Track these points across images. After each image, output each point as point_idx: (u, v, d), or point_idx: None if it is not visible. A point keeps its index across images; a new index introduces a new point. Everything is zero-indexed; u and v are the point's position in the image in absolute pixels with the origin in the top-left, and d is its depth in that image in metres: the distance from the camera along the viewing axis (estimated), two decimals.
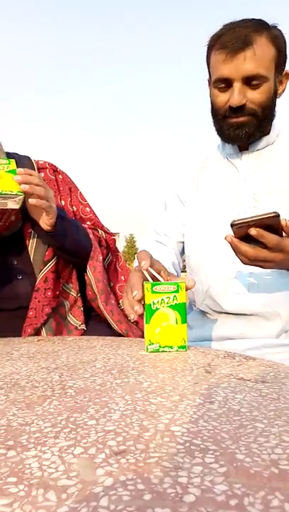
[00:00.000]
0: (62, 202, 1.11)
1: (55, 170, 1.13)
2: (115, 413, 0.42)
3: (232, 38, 0.86)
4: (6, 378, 0.55)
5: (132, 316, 0.71)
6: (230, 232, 0.74)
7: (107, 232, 1.17)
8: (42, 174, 1.09)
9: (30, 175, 0.87)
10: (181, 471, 0.31)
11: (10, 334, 0.93)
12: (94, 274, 1.04)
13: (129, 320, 1.11)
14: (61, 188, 1.12)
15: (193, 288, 1.02)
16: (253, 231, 0.71)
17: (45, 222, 0.92)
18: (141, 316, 0.71)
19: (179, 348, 0.70)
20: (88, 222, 1.14)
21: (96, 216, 1.19)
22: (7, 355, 0.69)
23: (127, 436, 0.36)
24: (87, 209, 1.17)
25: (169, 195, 1.11)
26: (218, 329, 0.96)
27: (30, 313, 0.99)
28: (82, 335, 1.03)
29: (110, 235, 1.17)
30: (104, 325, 1.08)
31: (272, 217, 0.70)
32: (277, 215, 0.70)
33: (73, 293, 1.07)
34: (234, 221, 0.72)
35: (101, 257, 1.06)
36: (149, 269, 0.74)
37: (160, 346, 0.70)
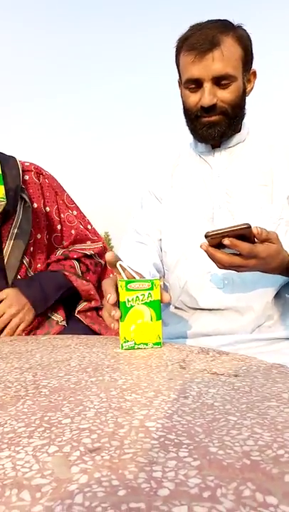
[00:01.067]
0: (48, 208, 1.10)
1: (40, 173, 1.11)
2: (90, 411, 0.42)
3: (199, 39, 0.88)
4: None
5: (112, 325, 0.70)
6: (205, 231, 0.76)
7: (93, 240, 1.16)
8: (27, 177, 1.07)
9: None
10: (155, 465, 0.31)
11: None
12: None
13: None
14: (47, 194, 1.10)
15: (170, 284, 1.03)
16: (226, 241, 0.73)
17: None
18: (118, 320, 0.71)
19: (154, 344, 0.71)
20: (73, 231, 1.13)
21: (84, 218, 1.19)
22: None
23: (102, 433, 0.37)
24: (75, 212, 1.16)
25: (144, 194, 1.12)
26: (193, 326, 0.97)
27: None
28: (60, 332, 1.03)
29: (97, 241, 1.17)
30: (82, 324, 1.08)
31: (244, 228, 0.72)
32: (249, 226, 0.72)
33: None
34: (208, 232, 0.74)
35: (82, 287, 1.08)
36: (123, 264, 0.74)
37: (135, 343, 0.70)
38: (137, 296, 0.70)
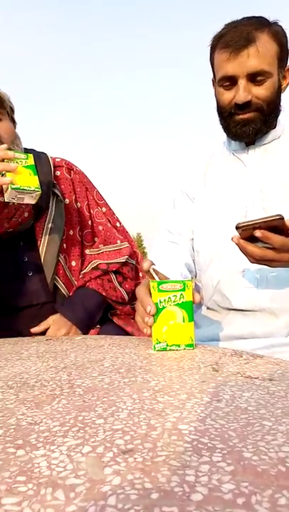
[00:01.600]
0: (79, 204, 1.10)
1: (71, 169, 1.12)
2: (123, 412, 0.42)
3: (234, 36, 0.87)
4: (16, 378, 0.56)
5: (145, 330, 0.71)
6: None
7: (121, 239, 1.15)
8: (58, 173, 1.08)
9: None
10: (188, 469, 0.31)
11: (20, 333, 0.94)
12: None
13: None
14: (78, 190, 1.11)
15: (202, 283, 1.02)
16: (257, 233, 0.71)
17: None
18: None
19: (186, 346, 0.70)
20: (100, 227, 1.12)
21: (112, 216, 1.18)
22: (16, 355, 0.69)
23: (135, 435, 0.37)
24: (104, 209, 1.16)
25: (176, 193, 1.11)
26: (226, 328, 0.96)
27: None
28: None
29: (123, 240, 1.16)
30: (114, 325, 1.09)
31: (277, 219, 0.70)
32: (282, 218, 0.70)
33: None
34: (239, 224, 0.73)
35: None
36: (156, 268, 0.74)
37: (167, 345, 0.70)
38: (169, 297, 0.70)
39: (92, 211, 1.12)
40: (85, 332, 1.01)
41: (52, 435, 0.37)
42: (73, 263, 1.08)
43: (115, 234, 1.15)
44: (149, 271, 0.75)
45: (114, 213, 1.20)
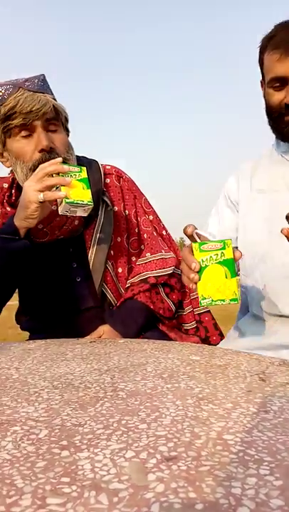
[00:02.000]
0: (127, 212, 1.11)
1: (120, 176, 1.13)
2: (166, 418, 0.41)
3: (285, 37, 0.87)
4: (61, 378, 0.57)
5: (191, 285, 0.75)
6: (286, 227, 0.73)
7: (166, 250, 1.15)
8: (108, 180, 1.10)
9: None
10: (234, 481, 0.30)
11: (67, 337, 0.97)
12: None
13: (182, 329, 1.12)
14: (126, 197, 1.12)
15: (248, 289, 1.00)
16: None
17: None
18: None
19: (230, 300, 0.74)
20: (145, 235, 1.13)
21: (159, 224, 1.19)
22: (62, 356, 0.71)
23: (179, 442, 0.36)
24: (151, 217, 1.16)
25: (221, 198, 1.10)
26: (274, 336, 0.93)
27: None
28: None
29: (168, 251, 1.15)
30: (157, 330, 1.09)
31: None
32: None
33: None
34: None
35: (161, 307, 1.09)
36: (198, 232, 0.78)
37: (212, 300, 0.74)
38: (211, 257, 0.74)
39: (139, 219, 1.13)
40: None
41: (95, 438, 0.37)
42: (120, 270, 1.09)
43: (160, 243, 1.15)
44: (192, 235, 0.77)
45: (160, 221, 1.20)
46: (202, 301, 0.74)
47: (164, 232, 1.20)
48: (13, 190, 1.04)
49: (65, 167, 0.86)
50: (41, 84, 0.95)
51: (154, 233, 1.15)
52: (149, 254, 1.11)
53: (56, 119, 0.96)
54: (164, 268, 1.09)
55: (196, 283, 0.74)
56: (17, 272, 0.97)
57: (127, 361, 0.66)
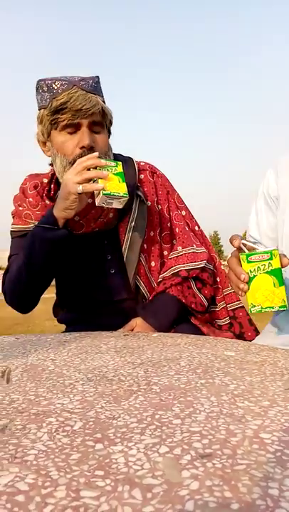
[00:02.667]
0: (160, 206, 1.14)
1: (154, 172, 1.17)
2: (200, 414, 0.41)
3: None
4: (95, 371, 0.57)
5: (240, 293, 0.79)
6: None
7: (197, 244, 1.15)
8: (142, 176, 1.14)
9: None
10: (271, 482, 0.29)
11: (100, 326, 0.98)
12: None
13: (216, 326, 1.11)
14: (159, 192, 1.15)
15: (287, 284, 0.97)
16: None
17: None
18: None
19: (279, 307, 0.76)
20: (177, 229, 1.14)
21: (192, 220, 1.20)
22: (96, 349, 0.71)
23: (213, 439, 0.35)
24: (183, 212, 1.18)
25: (259, 198, 1.07)
26: None
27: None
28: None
29: (200, 246, 1.15)
30: (190, 324, 1.08)
31: None
32: None
33: None
34: None
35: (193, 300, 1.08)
36: (243, 241, 0.79)
37: (262, 307, 0.77)
38: (258, 267, 0.76)
39: (171, 213, 1.15)
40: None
41: (129, 431, 0.37)
42: (152, 263, 1.10)
43: (191, 238, 1.15)
44: (239, 246, 0.79)
45: (193, 217, 1.21)
46: (252, 309, 0.78)
47: (196, 228, 1.20)
48: (52, 185, 1.08)
49: (102, 161, 0.90)
50: (94, 86, 1.00)
51: (186, 228, 1.16)
52: (180, 247, 1.12)
53: (101, 121, 1.01)
54: (195, 262, 1.09)
55: (245, 292, 0.77)
56: (56, 261, 1.01)
57: (161, 355, 0.65)
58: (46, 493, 0.27)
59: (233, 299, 1.16)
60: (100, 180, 0.88)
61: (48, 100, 0.97)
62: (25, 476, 0.29)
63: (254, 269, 0.77)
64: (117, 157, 1.11)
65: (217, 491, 0.28)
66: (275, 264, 0.76)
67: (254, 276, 0.77)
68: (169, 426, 0.38)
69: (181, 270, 1.07)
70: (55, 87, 0.96)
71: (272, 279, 0.76)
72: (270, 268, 0.76)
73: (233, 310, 1.15)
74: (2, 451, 0.34)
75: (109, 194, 0.89)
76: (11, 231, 1.12)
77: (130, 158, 1.14)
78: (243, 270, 0.77)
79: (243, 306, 1.15)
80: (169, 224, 1.14)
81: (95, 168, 0.90)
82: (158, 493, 0.27)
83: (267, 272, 0.76)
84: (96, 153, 0.91)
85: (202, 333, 1.06)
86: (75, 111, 0.95)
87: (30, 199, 1.08)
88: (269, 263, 0.76)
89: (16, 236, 1.10)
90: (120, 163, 0.92)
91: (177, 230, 1.14)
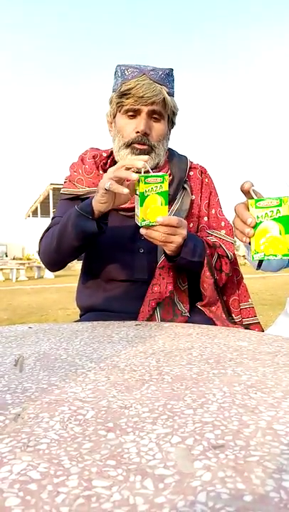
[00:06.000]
0: (201, 202, 1.18)
1: (203, 172, 1.22)
2: (213, 405, 0.41)
3: None
4: (107, 360, 0.57)
5: (245, 239, 0.77)
6: None
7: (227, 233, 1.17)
8: (192, 173, 1.19)
9: (172, 225, 0.90)
10: (285, 474, 0.28)
11: (123, 304, 1.01)
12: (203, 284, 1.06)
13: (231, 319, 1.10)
14: (203, 190, 1.20)
15: None
16: None
17: (169, 248, 0.96)
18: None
19: (283, 256, 0.74)
20: (223, 223, 1.17)
21: (226, 220, 1.21)
22: (108, 338, 0.71)
23: (226, 430, 0.35)
24: (219, 214, 1.21)
25: None
26: None
27: (155, 288, 1.05)
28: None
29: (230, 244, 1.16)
30: (203, 315, 1.07)
31: None
32: None
33: (182, 286, 1.09)
34: None
35: (208, 273, 1.05)
36: (254, 188, 0.78)
37: (265, 255, 0.75)
38: (266, 213, 0.75)
39: (210, 212, 1.19)
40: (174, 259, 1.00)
41: (141, 421, 0.37)
42: None
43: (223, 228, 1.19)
44: (249, 191, 0.78)
45: (227, 219, 1.22)
46: (254, 256, 0.76)
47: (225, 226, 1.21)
48: (109, 160, 1.17)
49: (134, 176, 0.85)
50: (163, 77, 1.06)
51: (223, 224, 1.19)
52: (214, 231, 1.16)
53: (161, 111, 1.06)
54: (227, 249, 1.11)
55: (250, 237, 0.75)
56: (85, 244, 1.04)
57: (172, 345, 0.65)
58: (58, 482, 0.27)
59: (250, 314, 1.15)
60: (145, 202, 0.85)
61: (119, 85, 1.06)
62: (37, 464, 0.30)
63: (262, 215, 0.75)
64: (173, 153, 1.19)
65: (230, 483, 0.27)
66: (285, 211, 0.74)
67: (260, 222, 0.75)
68: (181, 416, 0.38)
69: (215, 241, 1.10)
70: (127, 74, 1.05)
71: (280, 226, 0.74)
72: (279, 215, 0.74)
73: (248, 325, 1.14)
74: (15, 439, 0.34)
75: (148, 224, 0.87)
76: (61, 193, 1.20)
77: (184, 156, 1.21)
78: (250, 214, 0.75)
79: (258, 323, 1.15)
80: (205, 218, 1.18)
81: (138, 171, 0.86)
82: (170, 483, 0.27)
83: (274, 219, 0.74)
84: (145, 157, 0.88)
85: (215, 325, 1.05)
86: (137, 97, 1.03)
87: (87, 166, 1.16)
88: (278, 209, 0.74)
89: (63, 199, 1.18)
90: (167, 178, 0.87)
91: (214, 224, 1.18)
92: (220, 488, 0.27)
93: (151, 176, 0.83)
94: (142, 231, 0.90)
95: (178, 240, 0.92)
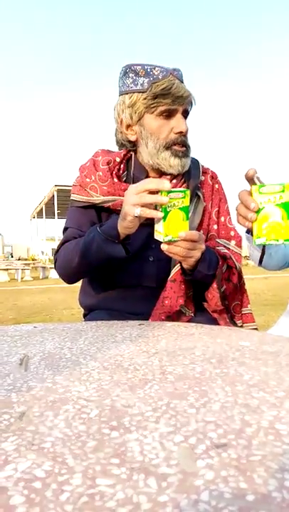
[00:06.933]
0: (211, 209, 1.17)
1: (214, 177, 1.20)
2: (215, 404, 0.41)
3: None
4: (111, 359, 0.57)
5: (247, 224, 0.78)
6: None
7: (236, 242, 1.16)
8: (203, 178, 1.17)
9: (193, 240, 0.89)
10: (287, 474, 0.29)
11: (128, 305, 1.01)
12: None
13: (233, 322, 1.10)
14: (214, 196, 1.18)
15: None
16: None
17: (188, 263, 0.95)
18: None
19: (285, 240, 0.75)
20: (232, 233, 1.16)
21: (234, 229, 1.20)
22: (112, 338, 0.72)
23: (228, 429, 0.35)
24: (228, 221, 1.20)
25: None
26: None
27: (166, 301, 1.03)
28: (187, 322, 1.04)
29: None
30: (207, 315, 1.07)
31: None
32: None
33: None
34: None
35: (215, 286, 1.04)
36: (257, 175, 0.79)
37: (266, 240, 0.76)
38: (269, 199, 0.76)
39: (219, 219, 1.18)
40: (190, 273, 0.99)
41: (144, 420, 0.37)
42: None
43: (232, 237, 1.17)
44: (252, 178, 0.79)
45: (235, 228, 1.21)
46: (256, 240, 0.77)
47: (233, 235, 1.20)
48: (122, 165, 1.11)
49: (164, 199, 0.82)
50: (182, 77, 1.05)
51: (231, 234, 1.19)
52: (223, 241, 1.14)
53: (189, 110, 1.07)
54: (232, 255, 1.10)
55: (252, 222, 0.76)
56: (108, 265, 1.03)
57: (175, 345, 0.65)
58: (63, 481, 0.28)
59: (250, 320, 1.15)
60: (164, 224, 0.84)
61: (146, 85, 1.00)
62: (42, 463, 0.30)
63: (264, 200, 0.76)
64: (192, 160, 1.15)
65: (232, 482, 0.28)
66: (287, 196, 0.75)
67: (263, 207, 0.76)
68: (183, 415, 0.38)
69: (225, 252, 1.09)
70: (155, 73, 1.00)
71: (282, 211, 0.75)
72: (281, 201, 0.75)
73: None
74: (20, 437, 0.34)
75: (171, 240, 0.86)
76: (72, 200, 1.13)
77: (196, 160, 1.19)
78: (253, 199, 0.76)
79: (256, 329, 1.14)
80: (215, 226, 1.17)
81: (157, 193, 0.84)
82: (173, 482, 0.28)
83: (277, 205, 0.75)
84: (167, 184, 0.84)
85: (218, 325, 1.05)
86: (176, 97, 1.00)
87: (101, 173, 1.08)
88: (280, 195, 0.75)
89: (75, 206, 1.11)
90: (189, 192, 0.85)
91: (223, 232, 1.16)
92: (223, 487, 0.27)
93: (174, 191, 0.83)
94: (164, 247, 0.88)
95: (197, 254, 0.92)
